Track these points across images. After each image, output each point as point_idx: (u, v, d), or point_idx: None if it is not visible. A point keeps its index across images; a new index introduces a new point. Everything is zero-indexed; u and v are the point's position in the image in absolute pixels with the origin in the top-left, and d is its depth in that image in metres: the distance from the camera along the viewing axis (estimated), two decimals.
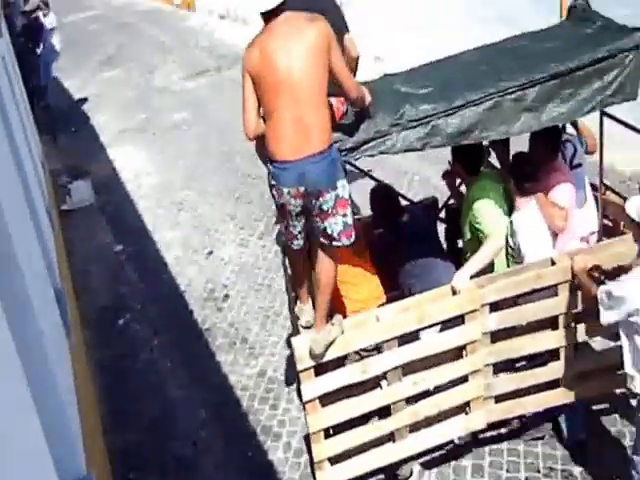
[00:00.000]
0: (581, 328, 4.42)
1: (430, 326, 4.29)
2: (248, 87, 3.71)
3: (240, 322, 6.94)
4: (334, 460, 4.44)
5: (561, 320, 4.36)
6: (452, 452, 5.01)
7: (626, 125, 4.77)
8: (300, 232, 3.95)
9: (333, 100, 3.85)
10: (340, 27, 4.59)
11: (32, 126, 10.59)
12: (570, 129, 5.35)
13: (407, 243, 4.78)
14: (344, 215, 3.80)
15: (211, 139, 11.39)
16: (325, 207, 3.73)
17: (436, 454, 4.97)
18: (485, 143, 4.79)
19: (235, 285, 7.53)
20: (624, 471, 4.17)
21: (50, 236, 7.02)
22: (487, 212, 4.55)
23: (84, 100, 15.64)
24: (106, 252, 8.58)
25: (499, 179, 4.74)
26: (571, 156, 4.98)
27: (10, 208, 3.80)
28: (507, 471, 4.89)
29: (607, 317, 3.79)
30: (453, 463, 4.99)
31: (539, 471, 4.85)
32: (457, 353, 4.38)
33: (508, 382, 4.56)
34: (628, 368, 3.86)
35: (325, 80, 3.64)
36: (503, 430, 5.07)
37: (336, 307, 4.42)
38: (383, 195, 5.02)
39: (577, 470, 4.80)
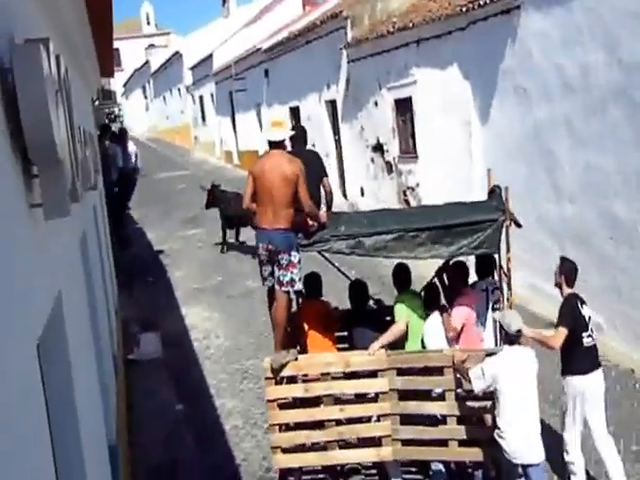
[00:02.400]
0: (461, 403, 5.90)
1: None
2: (250, 182, 6.01)
3: None
4: (285, 450, 6.14)
5: (447, 394, 5.88)
6: None
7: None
8: (268, 276, 6.04)
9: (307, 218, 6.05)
10: (320, 173, 6.95)
11: (111, 272, 10.73)
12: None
13: (362, 319, 6.70)
14: (292, 272, 5.90)
15: None
16: (282, 262, 5.87)
17: None
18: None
19: None
20: None
21: (113, 385, 6.83)
22: (397, 311, 6.41)
23: (164, 253, 15.94)
24: (166, 409, 8.30)
25: (415, 297, 6.54)
26: (495, 300, 6.51)
27: (77, 351, 3.73)
28: None
29: (478, 385, 5.44)
30: None
31: None
32: (375, 399, 6.07)
33: (409, 431, 6.03)
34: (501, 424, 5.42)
35: (291, 194, 5.80)
36: None
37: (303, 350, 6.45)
38: (357, 286, 6.96)
39: None
